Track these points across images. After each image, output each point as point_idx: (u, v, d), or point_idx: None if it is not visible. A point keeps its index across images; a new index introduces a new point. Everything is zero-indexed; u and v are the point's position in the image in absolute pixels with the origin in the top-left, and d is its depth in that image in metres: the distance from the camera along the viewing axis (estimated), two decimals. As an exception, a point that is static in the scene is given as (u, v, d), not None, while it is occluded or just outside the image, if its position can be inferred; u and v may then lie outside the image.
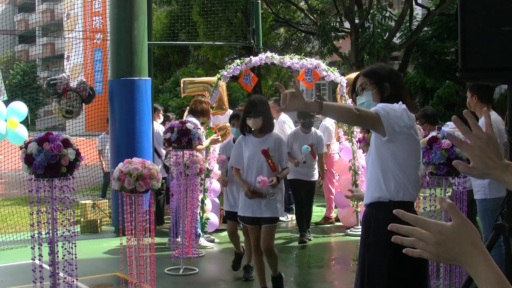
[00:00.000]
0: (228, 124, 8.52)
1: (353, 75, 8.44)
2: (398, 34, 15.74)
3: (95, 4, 9.84)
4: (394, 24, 14.55)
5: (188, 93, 8.62)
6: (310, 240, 7.58)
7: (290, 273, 6.29)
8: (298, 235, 7.92)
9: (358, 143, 7.49)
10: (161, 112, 9.27)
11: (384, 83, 3.08)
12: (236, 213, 5.49)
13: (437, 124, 6.42)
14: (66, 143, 4.26)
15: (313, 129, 7.60)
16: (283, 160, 5.16)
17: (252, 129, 5.13)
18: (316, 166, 7.62)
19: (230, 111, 8.45)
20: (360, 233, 3.23)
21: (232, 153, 5.29)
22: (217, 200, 8.18)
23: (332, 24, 15.30)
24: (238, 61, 8.05)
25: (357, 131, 7.85)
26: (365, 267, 2.96)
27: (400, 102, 2.93)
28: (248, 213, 5.11)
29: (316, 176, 7.67)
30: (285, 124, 8.74)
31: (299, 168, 7.43)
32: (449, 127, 6.22)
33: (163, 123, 9.01)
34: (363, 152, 7.06)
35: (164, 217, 8.82)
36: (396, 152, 2.91)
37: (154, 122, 8.58)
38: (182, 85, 8.53)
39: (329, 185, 8.67)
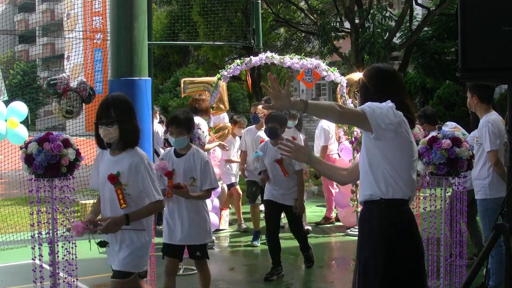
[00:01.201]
0: (228, 124, 8.54)
1: (353, 75, 8.45)
2: (398, 34, 15.76)
3: (95, 4, 9.84)
4: (394, 24, 14.56)
5: (189, 93, 8.62)
6: (280, 275, 6.06)
7: (290, 273, 6.28)
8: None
9: (351, 144, 7.50)
10: (158, 112, 9.24)
11: (361, 89, 3.21)
12: (176, 246, 4.63)
13: (436, 124, 6.41)
14: (66, 143, 4.26)
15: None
16: (148, 190, 3.59)
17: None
18: (294, 186, 6.00)
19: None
20: (359, 233, 3.24)
21: (91, 172, 3.93)
22: (217, 200, 8.19)
23: (332, 24, 15.32)
24: (238, 61, 8.05)
25: (357, 131, 7.85)
26: (361, 267, 2.97)
27: (389, 101, 2.96)
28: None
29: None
30: None
31: (275, 190, 6.03)
32: (449, 127, 6.23)
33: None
34: (357, 153, 7.06)
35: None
36: (386, 151, 2.92)
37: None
38: (182, 85, 8.53)
39: (329, 186, 8.67)
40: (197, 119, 7.15)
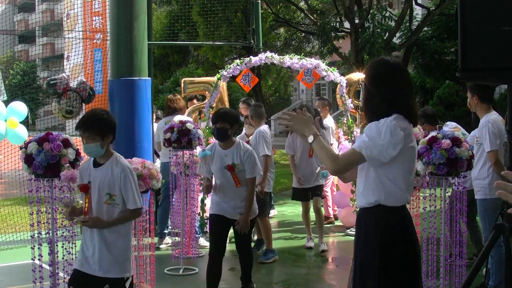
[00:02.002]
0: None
1: (353, 75, 8.44)
2: (398, 34, 15.75)
3: (95, 4, 9.84)
4: (394, 24, 14.56)
5: (189, 93, 8.63)
6: None
7: (290, 273, 6.28)
8: (298, 235, 7.92)
9: (352, 143, 7.49)
10: (155, 112, 9.10)
11: (367, 84, 3.04)
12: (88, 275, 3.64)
13: (437, 124, 6.42)
14: (66, 143, 4.27)
15: (238, 141, 5.09)
16: None
17: None
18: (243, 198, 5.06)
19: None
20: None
21: None
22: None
23: (332, 24, 15.31)
24: (238, 61, 8.04)
25: (357, 131, 7.85)
26: (357, 266, 2.97)
27: (392, 118, 2.85)
28: None
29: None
30: (261, 137, 6.71)
31: (224, 203, 5.03)
32: (449, 127, 6.23)
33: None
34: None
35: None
36: (387, 166, 2.87)
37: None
38: (182, 85, 8.54)
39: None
40: (182, 118, 7.19)
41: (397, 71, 2.99)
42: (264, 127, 6.80)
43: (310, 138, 2.93)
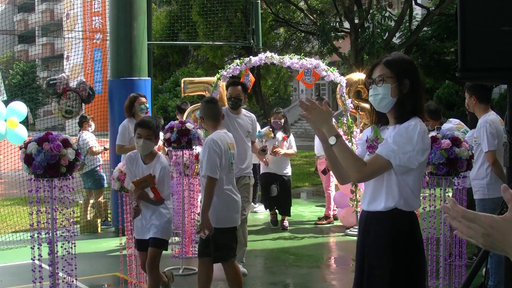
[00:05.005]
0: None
1: (353, 75, 8.45)
2: (397, 34, 15.78)
3: (94, 4, 9.85)
4: (394, 24, 14.57)
5: (188, 93, 8.64)
6: None
7: (289, 273, 6.29)
8: (298, 235, 7.92)
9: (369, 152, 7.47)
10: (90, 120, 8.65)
11: (404, 80, 2.83)
12: None
13: (440, 119, 6.43)
14: (66, 143, 4.26)
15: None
16: None
17: None
18: None
19: None
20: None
21: None
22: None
23: (331, 24, 15.34)
24: (237, 61, 8.04)
25: (357, 131, 7.85)
26: (365, 269, 2.92)
27: (418, 124, 2.77)
28: None
29: None
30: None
31: None
32: (453, 123, 6.24)
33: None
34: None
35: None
36: (410, 172, 2.82)
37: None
38: (182, 85, 8.54)
39: (327, 187, 8.67)
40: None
41: (417, 69, 2.89)
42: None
43: (332, 140, 2.74)
